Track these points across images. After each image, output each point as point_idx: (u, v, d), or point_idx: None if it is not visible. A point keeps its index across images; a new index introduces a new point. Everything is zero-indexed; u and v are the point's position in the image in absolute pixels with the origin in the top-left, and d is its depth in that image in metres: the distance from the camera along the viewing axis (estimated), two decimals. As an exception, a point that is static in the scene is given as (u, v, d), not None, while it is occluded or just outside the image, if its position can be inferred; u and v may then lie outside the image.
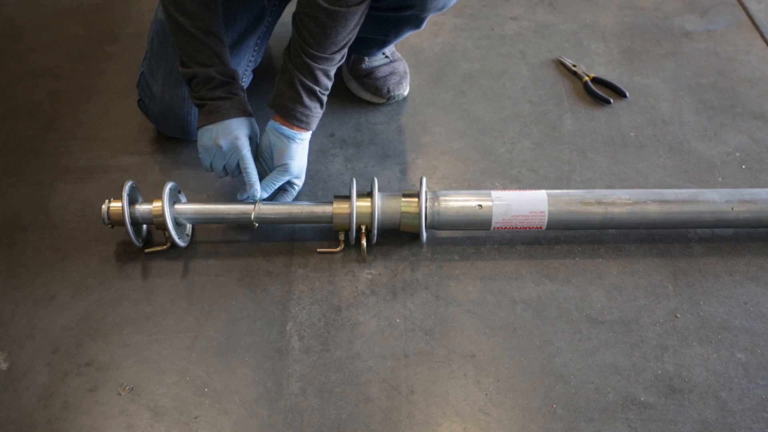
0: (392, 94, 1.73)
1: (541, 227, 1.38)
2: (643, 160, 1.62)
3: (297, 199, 1.46)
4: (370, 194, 1.37)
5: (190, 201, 1.41)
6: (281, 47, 1.43)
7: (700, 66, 1.90)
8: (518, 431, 1.16)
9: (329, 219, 1.37)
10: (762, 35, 2.00)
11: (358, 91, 1.76)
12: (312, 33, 1.29)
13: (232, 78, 1.38)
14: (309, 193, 1.54)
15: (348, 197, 1.36)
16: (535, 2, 2.13)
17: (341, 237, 1.40)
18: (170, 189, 1.35)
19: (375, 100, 1.75)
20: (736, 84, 1.84)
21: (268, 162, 1.41)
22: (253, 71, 1.68)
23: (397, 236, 1.43)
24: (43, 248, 1.42)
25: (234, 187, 1.53)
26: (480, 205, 1.36)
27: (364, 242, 1.38)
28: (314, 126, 1.39)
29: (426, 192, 1.36)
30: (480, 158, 1.62)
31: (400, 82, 1.74)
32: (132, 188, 1.36)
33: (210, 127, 1.36)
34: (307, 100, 1.35)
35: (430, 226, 1.38)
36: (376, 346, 1.26)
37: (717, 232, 1.47)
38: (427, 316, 1.31)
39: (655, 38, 2.00)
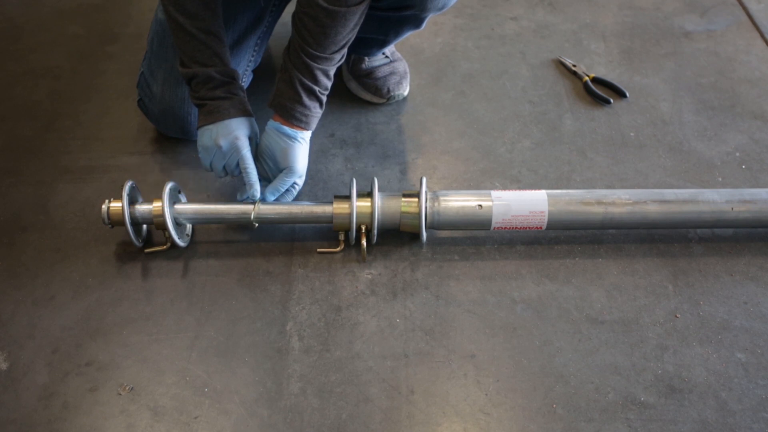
0: (392, 94, 1.73)
1: (541, 227, 1.38)
2: (643, 160, 1.62)
3: (297, 199, 1.46)
4: (370, 194, 1.37)
5: (190, 201, 1.41)
6: (281, 47, 1.43)
7: (700, 66, 1.90)
8: (518, 431, 1.16)
9: (329, 219, 1.37)
10: (762, 35, 2.00)
11: (358, 91, 1.76)
12: (312, 33, 1.29)
13: (232, 78, 1.38)
14: (309, 193, 1.54)
15: (348, 197, 1.36)
16: (535, 2, 2.13)
17: (341, 237, 1.40)
18: (170, 189, 1.35)
19: (375, 100, 1.75)
20: (736, 84, 1.84)
21: (269, 162, 1.41)
22: (253, 71, 1.68)
23: (397, 236, 1.43)
24: (43, 248, 1.42)
25: (234, 187, 1.53)
26: (480, 205, 1.36)
27: (364, 242, 1.38)
28: (314, 126, 1.39)
29: (426, 192, 1.36)
30: (480, 158, 1.62)
31: (400, 82, 1.74)
32: (132, 188, 1.36)
33: (210, 127, 1.36)
34: (306, 100, 1.35)
35: (430, 226, 1.38)
36: (376, 346, 1.26)
37: (717, 232, 1.47)
38: (427, 316, 1.31)
39: (655, 38, 2.00)
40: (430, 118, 1.73)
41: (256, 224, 1.38)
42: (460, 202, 1.37)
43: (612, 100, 1.77)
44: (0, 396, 1.19)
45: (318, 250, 1.42)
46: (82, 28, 2.01)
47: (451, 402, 1.19)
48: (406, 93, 1.77)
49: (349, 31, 1.31)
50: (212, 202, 1.40)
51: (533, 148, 1.65)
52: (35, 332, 1.28)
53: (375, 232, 1.37)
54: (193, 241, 1.43)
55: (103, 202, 1.35)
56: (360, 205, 1.35)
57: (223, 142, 1.35)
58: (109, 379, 1.21)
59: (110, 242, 1.42)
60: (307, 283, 1.36)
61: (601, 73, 1.86)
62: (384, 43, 1.66)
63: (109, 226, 1.35)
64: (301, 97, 1.34)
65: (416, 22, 1.53)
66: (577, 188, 1.52)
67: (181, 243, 1.37)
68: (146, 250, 1.39)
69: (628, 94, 1.79)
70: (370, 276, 1.37)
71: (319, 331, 1.28)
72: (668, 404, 1.18)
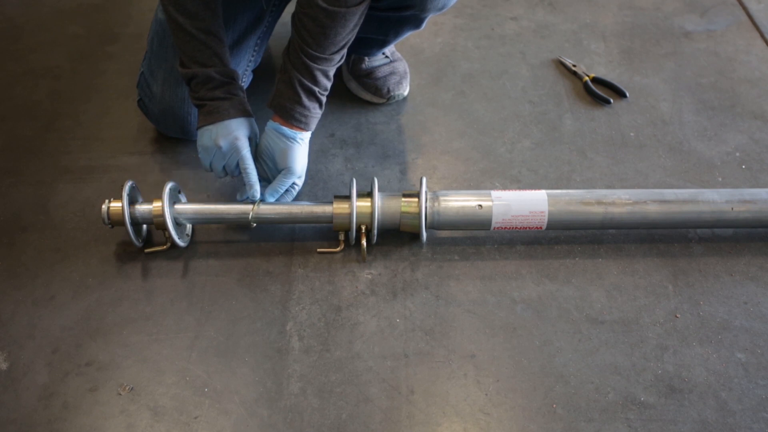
0: (392, 94, 1.73)
1: (541, 227, 1.38)
2: (643, 160, 1.62)
3: (297, 199, 1.46)
4: (370, 194, 1.37)
5: (190, 201, 1.41)
6: (281, 47, 1.43)
7: (700, 66, 1.90)
8: (518, 431, 1.16)
9: (329, 219, 1.37)
10: (762, 35, 2.00)
11: (358, 91, 1.76)
12: (311, 33, 1.29)
13: (231, 78, 1.38)
14: (309, 193, 1.54)
15: (348, 197, 1.36)
16: (535, 2, 2.13)
17: (341, 237, 1.40)
18: (170, 189, 1.35)
19: (375, 100, 1.75)
20: (736, 84, 1.84)
21: (268, 163, 1.41)
22: (253, 71, 1.68)
23: (397, 236, 1.43)
24: (43, 248, 1.42)
25: (234, 187, 1.53)
26: (480, 205, 1.36)
27: (364, 242, 1.38)
28: (313, 126, 1.39)
29: (426, 192, 1.36)
30: (480, 158, 1.62)
31: (400, 82, 1.74)
32: (132, 188, 1.36)
33: (209, 127, 1.36)
34: (306, 101, 1.35)
35: (430, 226, 1.38)
36: (376, 346, 1.26)
37: (717, 232, 1.47)
38: (427, 316, 1.31)
39: (655, 38, 2.00)
40: (430, 118, 1.73)
41: (254, 224, 1.38)
42: (460, 202, 1.37)
43: (612, 100, 1.77)
44: (0, 396, 1.19)
45: (318, 250, 1.42)
46: (82, 28, 2.01)
47: (451, 402, 1.19)
48: (406, 93, 1.77)
49: (349, 32, 1.31)
50: (212, 202, 1.40)
51: (533, 148, 1.65)
52: (35, 332, 1.28)
53: (375, 232, 1.37)
54: (193, 241, 1.43)
55: (103, 202, 1.35)
56: (360, 205, 1.35)
57: (223, 143, 1.35)
58: (109, 379, 1.21)
59: (110, 242, 1.42)
60: (307, 283, 1.36)
61: (601, 73, 1.86)
62: (384, 43, 1.66)
63: (109, 226, 1.35)
64: (300, 97, 1.34)
65: (416, 22, 1.53)
66: (577, 188, 1.52)
67: (181, 243, 1.37)
68: (146, 250, 1.39)
69: (628, 94, 1.79)
70: (370, 276, 1.37)
71: (319, 331, 1.28)
72: (668, 404, 1.18)
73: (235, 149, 1.35)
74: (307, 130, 1.39)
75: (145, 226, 1.42)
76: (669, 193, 1.40)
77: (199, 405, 1.18)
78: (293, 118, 1.35)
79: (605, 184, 1.56)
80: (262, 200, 1.37)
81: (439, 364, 1.24)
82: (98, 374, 1.22)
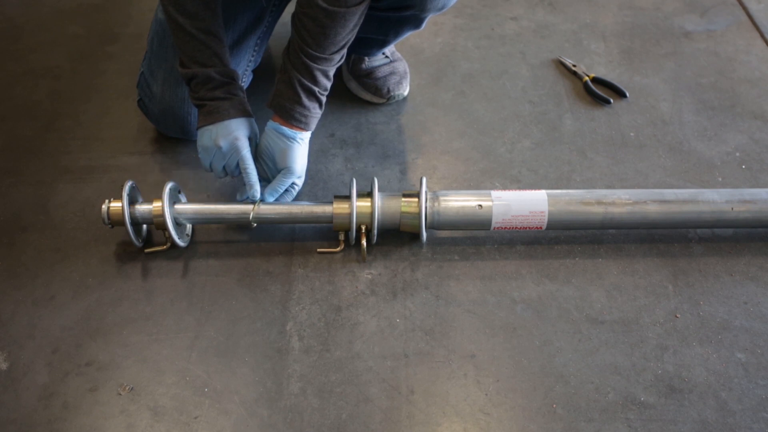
0: (392, 94, 1.73)
1: (541, 227, 1.38)
2: (643, 160, 1.62)
3: (297, 199, 1.46)
4: (370, 194, 1.37)
5: (190, 201, 1.41)
6: (281, 47, 1.43)
7: (700, 66, 1.90)
8: (518, 431, 1.16)
9: (329, 219, 1.37)
10: (762, 35, 2.00)
11: (358, 91, 1.76)
12: (311, 33, 1.29)
13: (231, 78, 1.38)
14: (309, 193, 1.54)
15: (348, 197, 1.36)
16: (535, 2, 2.13)
17: (341, 237, 1.40)
18: (170, 189, 1.35)
19: (375, 100, 1.75)
20: (736, 84, 1.84)
21: (268, 163, 1.41)
22: (253, 71, 1.68)
23: (397, 236, 1.43)
24: (43, 248, 1.42)
25: (234, 187, 1.53)
26: (480, 205, 1.36)
27: (364, 242, 1.38)
28: (313, 126, 1.39)
29: (426, 192, 1.36)
30: (480, 158, 1.62)
31: (400, 82, 1.74)
32: (132, 188, 1.36)
33: (209, 127, 1.36)
34: (306, 101, 1.35)
35: (430, 226, 1.38)
36: (376, 346, 1.26)
37: (717, 232, 1.47)
38: (427, 316, 1.31)
39: (655, 38, 2.00)
40: (430, 118, 1.73)
41: (255, 224, 1.38)
42: (460, 202, 1.37)
43: (612, 100, 1.77)
44: (0, 396, 1.19)
45: (318, 250, 1.42)
46: (82, 28, 2.01)
47: (451, 402, 1.19)
48: (406, 93, 1.77)
49: (349, 32, 1.31)
50: (212, 202, 1.40)
51: (533, 148, 1.65)
52: (35, 332, 1.28)
53: (375, 232, 1.37)
54: (193, 241, 1.43)
55: (103, 202, 1.35)
56: (360, 205, 1.35)
57: (223, 143, 1.35)
58: (109, 379, 1.21)
59: (110, 242, 1.42)
60: (307, 283, 1.36)
61: (601, 73, 1.86)
62: (384, 43, 1.66)
63: (109, 226, 1.35)
64: (300, 97, 1.34)
65: (416, 22, 1.53)
66: (577, 188, 1.52)
67: (181, 243, 1.37)
68: (146, 250, 1.39)
69: (628, 94, 1.79)
70: (370, 276, 1.37)
71: (319, 331, 1.28)
72: (668, 404, 1.18)
73: (235, 149, 1.35)
74: (307, 130, 1.39)
75: (145, 226, 1.42)
76: (669, 193, 1.40)
77: (199, 405, 1.18)
78: (293, 118, 1.35)
79: (605, 184, 1.56)
80: (262, 200, 1.37)
81: (439, 364, 1.24)
82: (98, 374, 1.22)
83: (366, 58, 1.73)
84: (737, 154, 1.64)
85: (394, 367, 1.23)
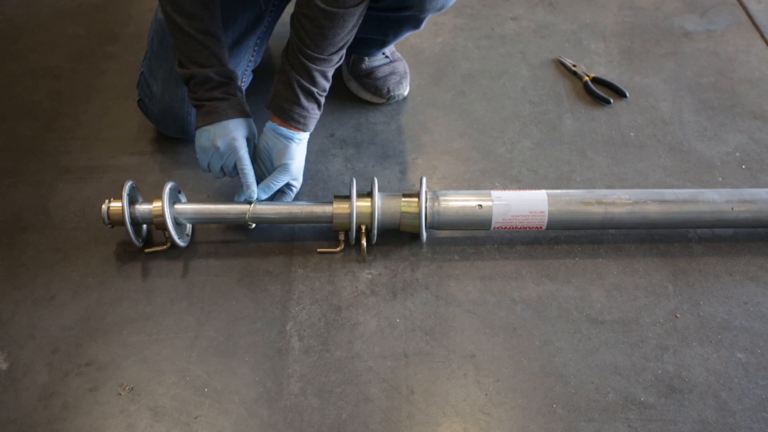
0: (392, 94, 1.73)
1: (541, 227, 1.38)
2: (643, 160, 1.62)
3: (297, 199, 1.46)
4: (370, 194, 1.37)
5: (190, 201, 1.41)
6: (281, 47, 1.43)
7: (700, 66, 1.90)
8: (518, 431, 1.16)
9: (329, 219, 1.37)
10: (762, 35, 2.00)
11: (358, 91, 1.76)
12: (310, 34, 1.29)
13: (229, 78, 1.37)
14: (309, 193, 1.54)
15: (348, 197, 1.36)
16: (535, 2, 2.13)
17: (341, 237, 1.40)
18: (170, 189, 1.35)
19: (375, 100, 1.75)
20: (736, 84, 1.84)
21: (266, 163, 1.40)
22: (253, 71, 1.68)
23: (397, 236, 1.43)
24: (43, 248, 1.42)
25: (234, 187, 1.52)
26: (480, 205, 1.36)
27: (364, 242, 1.38)
28: (312, 127, 1.39)
29: (426, 192, 1.36)
30: (480, 158, 1.62)
31: (400, 82, 1.74)
32: (132, 188, 1.36)
33: (207, 128, 1.36)
34: (304, 101, 1.35)
35: (430, 226, 1.38)
36: (376, 346, 1.26)
37: (717, 232, 1.47)
38: (427, 316, 1.31)
39: (655, 38, 2.00)
40: (430, 118, 1.73)
41: (252, 225, 1.38)
42: (460, 202, 1.37)
43: (612, 100, 1.77)
44: (0, 396, 1.19)
45: (318, 250, 1.42)
46: (82, 28, 2.01)
47: (451, 402, 1.19)
48: (406, 93, 1.77)
49: (347, 33, 1.31)
50: (212, 202, 1.40)
51: (533, 148, 1.65)
52: (35, 332, 1.28)
53: (375, 232, 1.37)
54: (193, 241, 1.43)
55: (103, 202, 1.35)
56: (360, 205, 1.35)
57: (221, 143, 1.34)
58: (109, 379, 1.21)
59: (110, 242, 1.42)
60: (307, 283, 1.36)
61: (601, 73, 1.86)
62: (383, 44, 1.66)
63: (109, 226, 1.35)
64: (299, 98, 1.34)
65: (415, 22, 1.53)
66: (577, 188, 1.52)
67: (181, 243, 1.37)
68: (146, 250, 1.39)
69: (628, 94, 1.79)
70: (370, 276, 1.37)
71: (319, 331, 1.28)
72: (668, 404, 1.18)
73: (232, 150, 1.35)
74: (305, 131, 1.39)
75: (145, 225, 1.42)
76: (669, 193, 1.40)
77: (199, 405, 1.18)
78: (291, 118, 1.35)
79: (605, 184, 1.56)
80: (257, 199, 1.37)
81: (439, 364, 1.24)
82: (98, 374, 1.22)
83: (366, 58, 1.73)
84: (737, 154, 1.64)
85: (394, 367, 1.23)
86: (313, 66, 1.32)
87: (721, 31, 2.02)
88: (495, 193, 1.37)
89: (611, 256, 1.42)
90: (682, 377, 1.22)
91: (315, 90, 1.34)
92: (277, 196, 1.43)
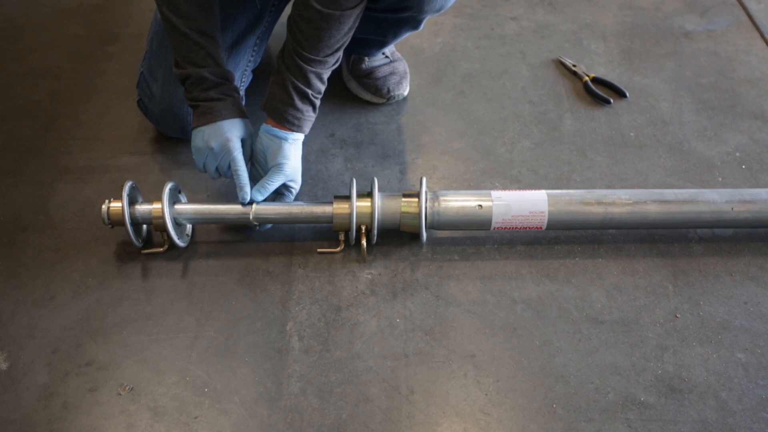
0: (392, 94, 1.73)
1: (541, 227, 1.38)
2: (643, 160, 1.62)
3: (297, 199, 1.46)
4: (370, 194, 1.37)
5: (190, 201, 1.41)
6: (281, 47, 1.43)
7: (700, 66, 1.90)
8: (518, 431, 1.16)
9: (329, 219, 1.37)
10: (762, 35, 2.00)
11: (358, 91, 1.76)
12: (306, 35, 1.28)
13: (225, 79, 1.37)
14: (309, 193, 1.54)
15: (348, 197, 1.36)
16: (535, 2, 2.13)
17: (341, 237, 1.40)
18: (170, 189, 1.35)
19: (375, 100, 1.75)
20: (736, 84, 1.84)
21: (262, 165, 1.39)
22: (253, 71, 1.68)
23: (397, 236, 1.43)
24: (43, 248, 1.42)
25: (233, 187, 1.52)
26: (480, 205, 1.36)
27: (364, 242, 1.38)
28: (307, 129, 1.38)
29: (426, 192, 1.36)
30: (480, 158, 1.62)
31: (400, 82, 1.74)
32: (132, 188, 1.36)
33: (202, 128, 1.35)
34: (299, 103, 1.34)
35: (430, 226, 1.38)
36: (376, 346, 1.26)
37: (717, 232, 1.47)
38: (427, 316, 1.31)
39: (655, 38, 2.00)
40: (430, 118, 1.73)
41: (258, 225, 1.38)
42: (460, 202, 1.37)
43: (612, 100, 1.77)
44: (0, 396, 1.19)
45: (318, 250, 1.42)
46: (82, 28, 2.01)
47: (451, 402, 1.19)
48: (406, 93, 1.77)
49: (344, 35, 1.31)
50: (212, 202, 1.40)
51: (533, 148, 1.65)
52: (35, 332, 1.28)
53: (375, 232, 1.37)
54: (193, 241, 1.43)
55: (103, 202, 1.35)
56: (360, 205, 1.35)
57: (215, 144, 1.34)
58: (109, 379, 1.21)
59: (110, 242, 1.42)
60: (307, 283, 1.36)
61: (601, 73, 1.86)
62: (383, 44, 1.66)
63: (109, 226, 1.35)
64: (293, 100, 1.33)
65: (414, 23, 1.53)
66: (577, 188, 1.52)
67: (180, 243, 1.37)
68: (144, 251, 1.39)
69: (628, 94, 1.79)
70: (370, 276, 1.37)
71: (319, 331, 1.28)
72: (668, 404, 1.18)
73: (226, 150, 1.34)
74: (300, 132, 1.38)
75: (145, 226, 1.42)
76: (669, 193, 1.40)
77: (199, 405, 1.18)
78: (286, 120, 1.35)
79: (605, 184, 1.56)
80: (252, 200, 1.36)
81: (439, 364, 1.24)
82: (98, 374, 1.22)
83: (366, 58, 1.73)
84: (737, 154, 1.64)
85: (394, 367, 1.23)
86: (309, 68, 1.31)
87: (721, 31, 2.02)
88: (495, 193, 1.37)
89: (611, 256, 1.42)
90: (682, 377, 1.22)
91: (310, 92, 1.34)
92: (276, 198, 1.42)
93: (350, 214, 1.35)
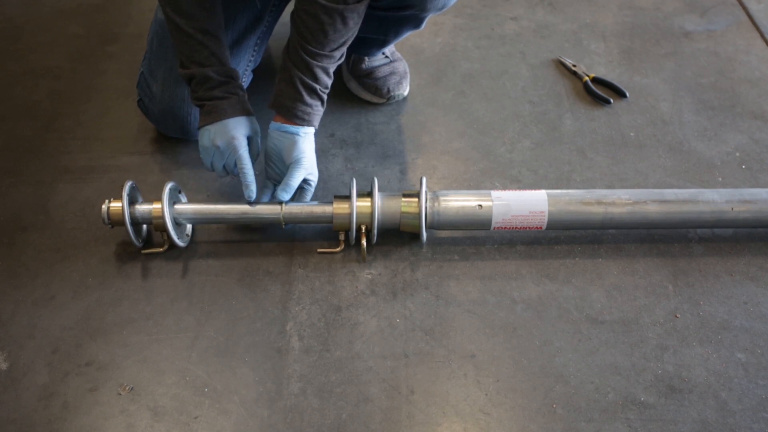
0: (392, 94, 1.73)
1: (541, 227, 1.38)
2: (643, 160, 1.62)
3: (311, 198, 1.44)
4: (370, 194, 1.37)
5: (190, 201, 1.41)
6: (281, 47, 1.43)
7: (700, 66, 1.90)
8: (518, 431, 1.16)
9: (329, 219, 1.37)
10: (762, 35, 2.00)
11: (358, 91, 1.76)
12: (311, 30, 1.28)
13: (230, 77, 1.37)
14: (309, 193, 1.53)
15: (348, 197, 1.36)
16: (535, 2, 2.13)
17: (341, 237, 1.40)
18: (170, 189, 1.35)
19: (375, 100, 1.75)
20: (736, 84, 1.84)
21: (278, 164, 1.39)
22: (253, 71, 1.68)
23: (397, 236, 1.43)
24: (43, 248, 1.42)
25: (234, 187, 1.52)
26: (480, 205, 1.36)
27: (364, 242, 1.38)
28: (317, 123, 1.38)
29: (426, 192, 1.36)
30: (480, 158, 1.62)
31: (400, 82, 1.74)
32: (132, 188, 1.36)
33: (208, 127, 1.36)
34: (307, 98, 1.34)
35: (430, 226, 1.38)
36: (376, 346, 1.26)
37: (717, 232, 1.47)
38: (427, 316, 1.31)
39: (655, 38, 2.00)
40: (430, 118, 1.73)
41: (285, 225, 1.38)
42: (460, 202, 1.37)
43: (612, 100, 1.77)
44: (0, 396, 1.19)
45: (318, 250, 1.42)
46: (82, 28, 2.01)
47: (451, 402, 1.19)
48: (406, 93, 1.77)
49: (349, 30, 1.31)
50: (212, 202, 1.40)
51: (533, 148, 1.65)
52: (35, 332, 1.28)
53: (375, 232, 1.37)
54: (193, 241, 1.43)
55: (103, 202, 1.35)
56: (360, 205, 1.35)
57: (221, 142, 1.34)
58: (109, 379, 1.21)
59: (110, 242, 1.42)
60: (307, 283, 1.36)
61: (601, 73, 1.86)
62: (384, 43, 1.66)
63: (109, 226, 1.35)
64: (302, 95, 1.33)
65: (416, 22, 1.53)
66: (577, 188, 1.52)
67: (180, 243, 1.37)
68: (143, 251, 1.39)
69: (628, 94, 1.79)
70: (370, 276, 1.37)
71: (319, 331, 1.28)
72: (668, 404, 1.18)
73: (232, 149, 1.35)
74: (310, 126, 1.38)
75: (145, 225, 1.42)
76: (669, 193, 1.40)
77: (199, 405, 1.18)
78: (296, 116, 1.35)
79: (605, 184, 1.56)
80: (280, 201, 1.35)
81: (439, 364, 1.24)
82: (98, 374, 1.22)
83: (366, 58, 1.73)
84: (737, 154, 1.64)
85: (394, 367, 1.23)
86: (315, 62, 1.31)
87: (721, 31, 2.02)
88: (495, 193, 1.37)
89: (611, 256, 1.42)
90: (682, 377, 1.22)
91: (317, 86, 1.34)
92: (297, 194, 1.41)
93: (350, 214, 1.35)
